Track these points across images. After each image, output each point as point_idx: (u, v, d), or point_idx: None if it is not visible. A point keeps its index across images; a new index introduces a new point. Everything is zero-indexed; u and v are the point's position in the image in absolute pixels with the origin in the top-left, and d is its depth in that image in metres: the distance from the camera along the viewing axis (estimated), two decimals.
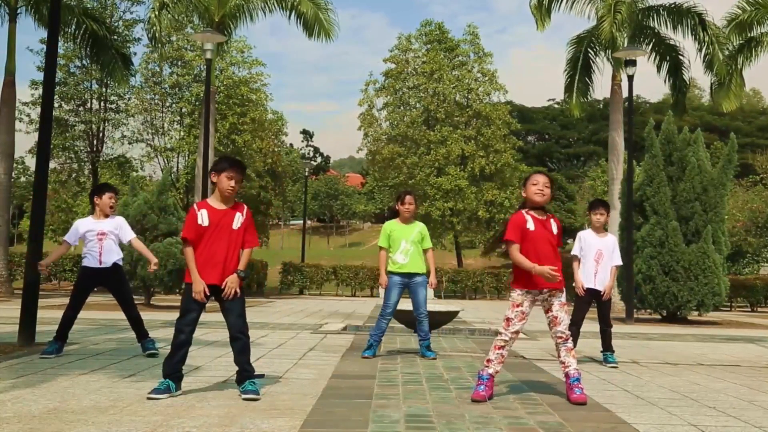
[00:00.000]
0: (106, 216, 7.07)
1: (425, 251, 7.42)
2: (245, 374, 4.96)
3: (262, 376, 5.57)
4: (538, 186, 5.17)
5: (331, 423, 4.19)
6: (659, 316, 16.43)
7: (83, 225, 7.07)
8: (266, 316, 14.02)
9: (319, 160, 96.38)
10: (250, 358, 5.05)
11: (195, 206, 5.09)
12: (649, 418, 4.60)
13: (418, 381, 5.88)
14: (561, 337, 5.13)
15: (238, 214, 5.01)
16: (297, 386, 5.42)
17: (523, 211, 5.19)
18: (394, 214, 7.58)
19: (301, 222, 50.84)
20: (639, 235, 15.72)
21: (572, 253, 7.44)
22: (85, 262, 6.96)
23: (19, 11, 20.58)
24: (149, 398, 4.70)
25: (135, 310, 7.10)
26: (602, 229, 7.46)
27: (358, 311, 16.84)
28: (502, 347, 5.13)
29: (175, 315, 5.22)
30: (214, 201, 5.07)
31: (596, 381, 6.26)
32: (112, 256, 6.97)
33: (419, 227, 7.42)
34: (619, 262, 7.48)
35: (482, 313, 17.93)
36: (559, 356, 5.20)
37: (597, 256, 7.33)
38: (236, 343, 5.00)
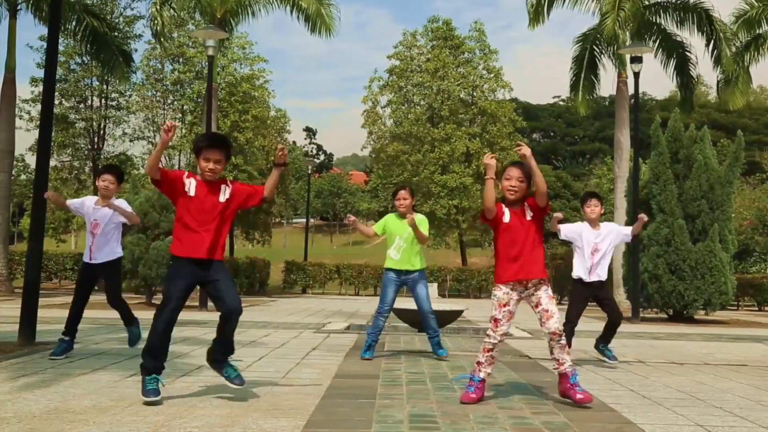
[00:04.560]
0: (106, 201, 6.69)
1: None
2: (229, 350, 4.99)
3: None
4: (511, 182, 5.07)
5: (335, 423, 4.14)
6: (665, 315, 16.36)
7: (86, 204, 6.78)
8: (269, 315, 13.96)
9: (322, 157, 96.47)
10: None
11: (186, 173, 4.98)
12: (655, 418, 4.55)
13: (422, 381, 5.83)
14: (555, 333, 4.94)
15: (223, 186, 4.94)
16: (300, 386, 5.38)
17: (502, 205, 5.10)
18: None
19: (304, 220, 50.89)
20: (645, 234, 15.61)
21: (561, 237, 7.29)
22: (84, 255, 6.86)
23: (19, 8, 20.57)
24: (147, 404, 4.51)
25: (115, 299, 6.87)
26: (597, 222, 7.25)
27: (361, 310, 16.78)
28: (491, 350, 5.05)
29: None
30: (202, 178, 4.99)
31: (602, 381, 6.19)
32: (105, 254, 6.71)
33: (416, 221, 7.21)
34: (629, 231, 7.58)
35: (487, 312, 17.85)
36: (552, 353, 5.04)
37: (593, 249, 7.16)
38: (232, 321, 4.93)
